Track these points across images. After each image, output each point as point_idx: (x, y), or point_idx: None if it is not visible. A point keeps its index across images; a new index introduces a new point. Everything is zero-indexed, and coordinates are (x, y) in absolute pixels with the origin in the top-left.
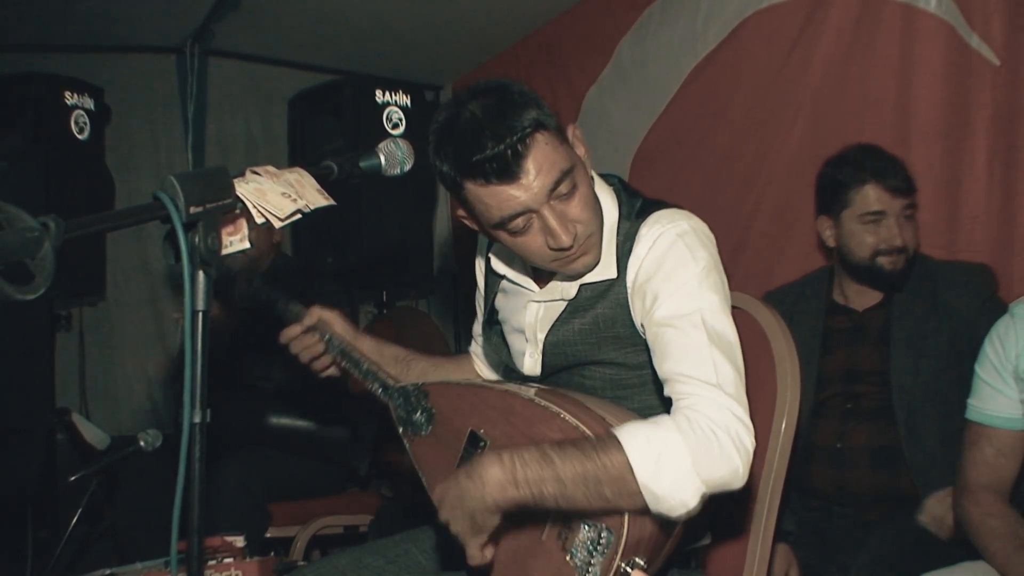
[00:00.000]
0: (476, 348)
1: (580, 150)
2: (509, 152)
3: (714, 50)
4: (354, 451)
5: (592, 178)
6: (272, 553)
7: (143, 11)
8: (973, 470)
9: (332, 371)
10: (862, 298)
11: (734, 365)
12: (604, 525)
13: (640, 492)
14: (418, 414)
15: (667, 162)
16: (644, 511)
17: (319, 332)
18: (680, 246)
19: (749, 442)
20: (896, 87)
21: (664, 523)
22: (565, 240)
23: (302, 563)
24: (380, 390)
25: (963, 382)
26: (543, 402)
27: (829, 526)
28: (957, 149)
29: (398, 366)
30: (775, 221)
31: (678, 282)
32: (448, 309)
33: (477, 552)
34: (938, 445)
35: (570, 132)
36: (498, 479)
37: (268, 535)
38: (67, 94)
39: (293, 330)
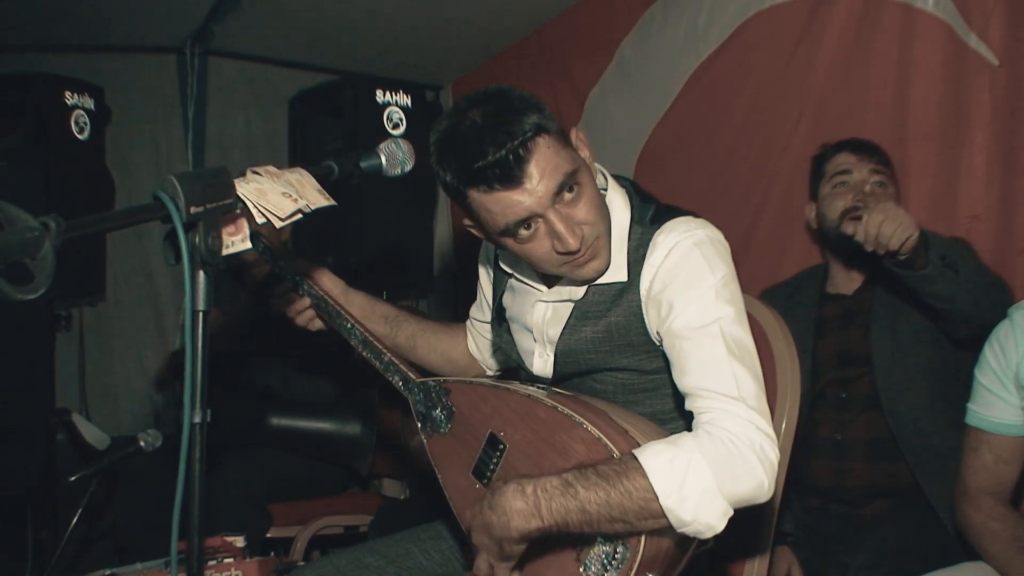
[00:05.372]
0: (472, 328)
1: (584, 152)
2: (511, 157)
3: (716, 50)
4: (355, 451)
5: (606, 178)
6: (272, 553)
7: (143, 11)
8: (973, 475)
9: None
10: (850, 282)
11: (754, 376)
12: (620, 540)
13: (665, 515)
14: (437, 411)
15: (671, 163)
16: (669, 531)
17: (312, 298)
18: (696, 255)
19: (773, 454)
20: (895, 87)
21: (681, 539)
22: (572, 243)
23: (302, 563)
24: (401, 383)
25: (943, 352)
26: (566, 410)
27: (828, 526)
28: (956, 149)
29: (387, 325)
30: (778, 221)
31: (695, 292)
32: (448, 309)
33: (506, 574)
34: (926, 423)
35: (573, 135)
36: (521, 511)
37: (268, 535)
38: (67, 94)
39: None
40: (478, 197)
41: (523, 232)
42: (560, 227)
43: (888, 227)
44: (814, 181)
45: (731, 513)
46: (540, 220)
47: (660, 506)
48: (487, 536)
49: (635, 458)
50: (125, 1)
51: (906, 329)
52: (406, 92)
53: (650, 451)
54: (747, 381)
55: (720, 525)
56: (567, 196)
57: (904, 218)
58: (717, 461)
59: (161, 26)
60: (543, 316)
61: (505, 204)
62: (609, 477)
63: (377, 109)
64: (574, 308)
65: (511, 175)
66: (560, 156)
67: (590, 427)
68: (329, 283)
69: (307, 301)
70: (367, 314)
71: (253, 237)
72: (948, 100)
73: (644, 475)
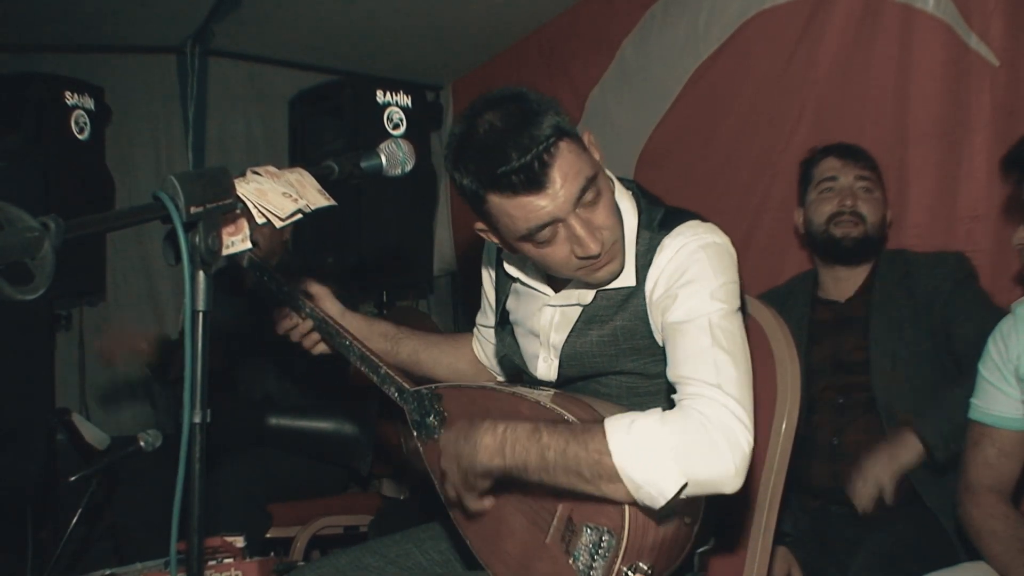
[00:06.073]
0: (478, 334)
1: (596, 155)
2: (535, 162)
3: (717, 50)
4: (355, 451)
5: (612, 181)
6: (272, 553)
7: (143, 11)
8: (975, 471)
9: (321, 347)
10: (842, 287)
11: (737, 366)
12: (605, 528)
13: (618, 475)
14: (431, 418)
15: (671, 163)
16: (630, 501)
17: (314, 319)
18: (701, 257)
19: (745, 441)
20: (895, 87)
21: (671, 529)
22: (593, 248)
23: (302, 563)
24: (396, 394)
25: (942, 368)
26: (549, 404)
27: (828, 526)
28: (956, 149)
29: (387, 343)
30: (778, 221)
31: (692, 289)
32: (448, 309)
33: (474, 505)
34: None
35: (586, 138)
36: (489, 447)
37: (268, 535)
38: (67, 94)
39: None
40: (499, 202)
41: (542, 236)
42: (581, 232)
43: (862, 488)
44: (802, 186)
45: (687, 485)
46: (560, 224)
47: (613, 463)
48: (456, 465)
49: (602, 422)
50: (125, 1)
51: (907, 336)
52: (406, 92)
53: (616, 417)
54: (728, 369)
55: (672, 490)
56: (587, 200)
57: (867, 472)
58: (681, 433)
59: (161, 26)
60: (550, 320)
61: (528, 209)
62: (574, 430)
63: (377, 109)
64: (582, 312)
65: (535, 180)
66: (581, 160)
67: (570, 418)
68: (330, 305)
69: (310, 323)
70: (366, 334)
71: (258, 267)
72: (948, 100)
73: (603, 433)
